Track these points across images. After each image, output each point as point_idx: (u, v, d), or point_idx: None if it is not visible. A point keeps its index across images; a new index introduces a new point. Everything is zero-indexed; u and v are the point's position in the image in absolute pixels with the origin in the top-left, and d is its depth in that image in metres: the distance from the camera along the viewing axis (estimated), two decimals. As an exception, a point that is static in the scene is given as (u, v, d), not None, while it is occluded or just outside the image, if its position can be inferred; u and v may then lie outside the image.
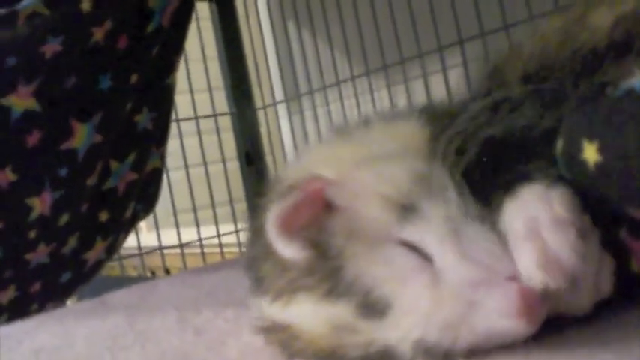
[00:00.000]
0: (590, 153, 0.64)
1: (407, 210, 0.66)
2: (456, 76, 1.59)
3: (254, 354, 0.75)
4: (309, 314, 0.67)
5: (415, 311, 0.62)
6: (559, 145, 0.69)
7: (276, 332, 0.70)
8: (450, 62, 1.58)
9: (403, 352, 0.63)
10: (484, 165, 0.72)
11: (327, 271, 0.66)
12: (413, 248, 0.64)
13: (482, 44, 1.48)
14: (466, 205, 0.67)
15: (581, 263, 0.60)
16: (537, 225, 0.62)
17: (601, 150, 0.63)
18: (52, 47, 1.12)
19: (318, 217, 0.68)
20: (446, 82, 1.57)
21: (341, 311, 0.65)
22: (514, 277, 0.61)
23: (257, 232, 0.74)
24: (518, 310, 0.59)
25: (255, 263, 0.74)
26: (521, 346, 0.65)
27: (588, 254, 0.61)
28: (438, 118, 0.80)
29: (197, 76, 1.91)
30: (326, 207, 0.69)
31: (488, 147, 0.73)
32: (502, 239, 0.63)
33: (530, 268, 0.60)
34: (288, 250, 0.67)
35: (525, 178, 0.66)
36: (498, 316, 0.60)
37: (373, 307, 0.64)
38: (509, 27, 1.43)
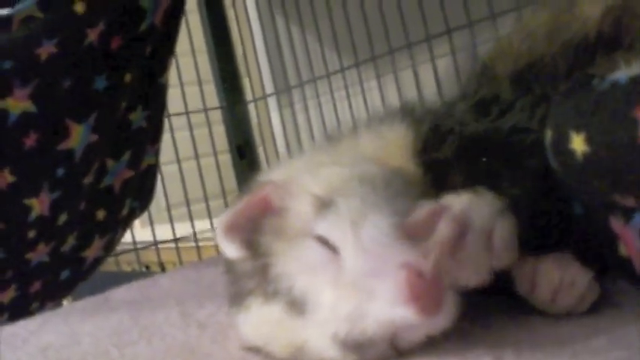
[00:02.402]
0: (578, 143, 0.66)
1: (324, 206, 0.68)
2: (444, 65, 1.60)
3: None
4: (257, 319, 0.70)
5: (323, 305, 0.64)
6: (547, 135, 0.71)
7: (258, 351, 0.72)
8: (438, 52, 1.59)
9: (329, 349, 0.65)
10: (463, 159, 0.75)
11: (259, 271, 0.68)
12: (324, 242, 0.66)
13: (470, 34, 1.49)
14: (383, 201, 0.68)
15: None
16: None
17: (588, 140, 0.65)
18: (47, 49, 1.13)
19: (261, 219, 0.71)
20: (435, 71, 1.58)
21: (277, 312, 0.67)
22: (406, 266, 0.61)
23: None
24: (407, 298, 0.59)
25: (225, 276, 0.78)
26: (513, 333, 0.68)
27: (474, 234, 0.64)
28: (422, 120, 0.82)
29: (186, 70, 1.91)
30: (271, 211, 0.72)
31: (468, 142, 0.75)
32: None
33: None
34: (230, 249, 0.70)
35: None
36: (391, 305, 0.61)
37: (296, 305, 0.65)
38: (496, 16, 1.45)
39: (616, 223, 0.67)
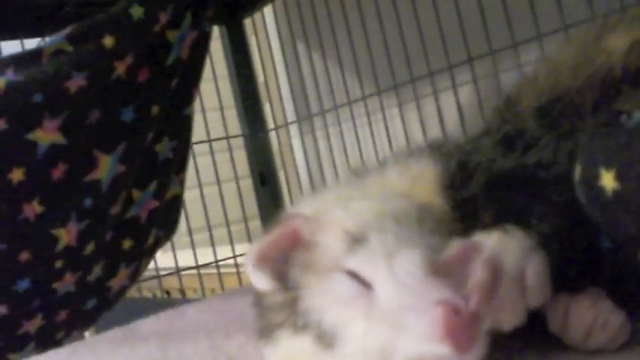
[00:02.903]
0: (608, 180, 0.66)
1: (356, 241, 0.68)
2: (466, 93, 1.61)
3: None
4: (286, 352, 0.70)
5: (353, 339, 0.64)
6: (576, 171, 0.71)
7: None
8: (460, 80, 1.60)
9: None
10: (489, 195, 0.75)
11: (289, 304, 0.69)
12: (356, 277, 0.66)
13: (492, 62, 1.50)
14: (416, 236, 0.69)
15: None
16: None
17: (619, 177, 0.65)
18: (76, 82, 1.15)
19: (291, 251, 0.72)
20: (456, 99, 1.59)
21: (306, 345, 0.67)
22: (442, 303, 0.61)
23: None
24: (443, 334, 0.59)
25: (254, 308, 0.78)
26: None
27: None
28: (449, 155, 0.82)
29: (208, 96, 1.92)
30: (301, 244, 0.72)
31: (495, 178, 0.76)
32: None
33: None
34: (259, 281, 0.71)
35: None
36: (425, 340, 0.60)
37: (326, 338, 0.66)
38: (517, 45, 1.45)
39: (646, 260, 0.67)
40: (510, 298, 0.64)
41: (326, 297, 0.67)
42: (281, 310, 0.70)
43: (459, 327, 0.60)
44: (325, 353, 0.66)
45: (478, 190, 0.76)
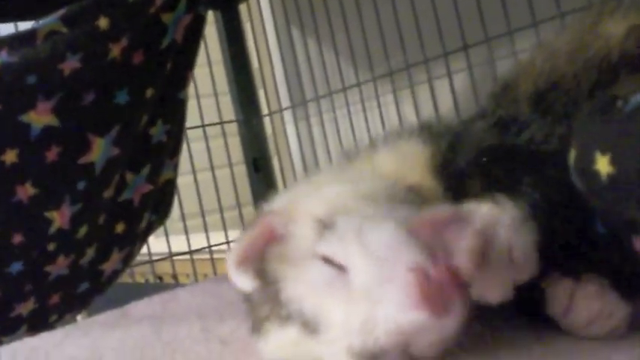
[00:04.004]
0: (603, 164, 0.66)
1: (325, 227, 0.69)
2: (461, 80, 1.61)
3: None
4: (275, 343, 0.71)
5: (335, 322, 0.65)
6: (571, 155, 0.71)
7: None
8: (455, 67, 1.59)
9: None
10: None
11: (271, 298, 0.70)
12: (329, 262, 0.67)
13: (487, 49, 1.50)
14: (384, 211, 0.70)
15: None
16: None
17: (614, 161, 0.65)
18: (70, 64, 1.15)
19: (267, 248, 0.73)
20: (451, 86, 1.59)
21: (293, 334, 0.68)
22: (413, 269, 0.61)
23: None
24: (417, 301, 0.60)
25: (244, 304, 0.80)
26: (535, 347, 0.68)
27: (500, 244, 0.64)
28: (440, 136, 0.82)
29: (203, 82, 1.92)
30: (275, 239, 0.74)
31: (487, 151, 0.76)
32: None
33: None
34: (242, 281, 0.73)
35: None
36: (401, 310, 0.61)
37: (309, 325, 0.67)
38: (513, 32, 1.45)
39: (638, 243, 0.67)
40: (498, 271, 0.64)
41: (304, 285, 0.68)
42: (265, 304, 0.72)
43: (433, 291, 0.60)
44: (312, 340, 0.67)
45: (468, 161, 0.76)
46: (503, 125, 0.81)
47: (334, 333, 0.65)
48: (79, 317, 1.76)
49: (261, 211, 0.81)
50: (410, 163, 0.81)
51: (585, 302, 0.69)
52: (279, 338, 0.70)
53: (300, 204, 0.75)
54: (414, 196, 0.75)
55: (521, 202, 0.69)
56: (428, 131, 0.85)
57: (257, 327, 0.74)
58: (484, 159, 0.76)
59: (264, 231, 0.74)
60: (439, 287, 0.60)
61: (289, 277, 0.69)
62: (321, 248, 0.68)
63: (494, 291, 0.65)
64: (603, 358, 0.62)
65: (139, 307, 1.17)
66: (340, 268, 0.66)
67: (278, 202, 0.80)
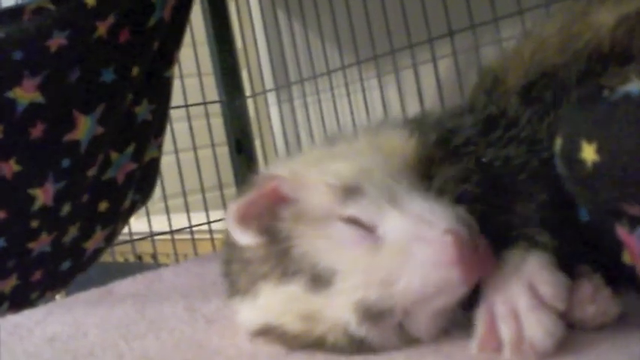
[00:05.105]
0: (589, 152, 0.67)
1: (350, 191, 0.72)
2: (445, 66, 1.62)
3: (267, 343, 0.77)
4: (270, 302, 0.73)
5: (356, 273, 0.68)
6: (557, 144, 0.72)
7: (267, 333, 0.75)
8: (440, 52, 1.60)
9: (349, 320, 0.68)
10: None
11: (278, 254, 0.72)
12: (355, 223, 0.70)
13: (473, 36, 1.51)
14: (405, 185, 0.73)
15: (553, 341, 0.64)
16: (515, 307, 0.66)
17: (599, 150, 0.66)
18: (57, 41, 1.14)
19: (272, 208, 0.75)
20: (436, 72, 1.60)
21: (294, 290, 0.70)
22: (451, 231, 0.65)
23: (228, 235, 0.79)
24: (452, 258, 0.64)
25: (227, 266, 0.81)
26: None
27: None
28: (427, 130, 0.84)
29: (187, 62, 1.90)
30: (282, 201, 0.75)
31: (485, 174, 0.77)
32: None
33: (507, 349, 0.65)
34: (244, 237, 0.74)
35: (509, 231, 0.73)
36: (433, 266, 0.65)
37: (320, 279, 0.69)
38: (498, 19, 1.46)
39: (622, 231, 0.69)
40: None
41: (324, 241, 0.70)
42: (265, 262, 0.73)
43: (466, 254, 0.64)
44: (316, 295, 0.69)
45: (463, 176, 0.77)
46: (492, 122, 0.82)
47: (348, 284, 0.68)
48: (57, 297, 1.75)
49: (262, 175, 0.82)
50: (387, 151, 0.82)
51: (582, 305, 0.70)
52: (275, 296, 0.72)
53: (306, 173, 0.77)
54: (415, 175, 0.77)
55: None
56: (415, 124, 0.86)
57: (246, 288, 0.75)
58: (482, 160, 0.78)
59: (269, 192, 0.75)
60: (471, 253, 0.64)
61: (306, 234, 0.71)
62: (347, 210, 0.70)
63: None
64: (602, 357, 0.63)
65: (122, 286, 1.18)
66: (368, 228, 0.69)
67: (277, 170, 0.80)
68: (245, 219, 0.74)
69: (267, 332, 0.75)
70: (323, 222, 0.71)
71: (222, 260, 0.82)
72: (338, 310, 0.68)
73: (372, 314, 0.67)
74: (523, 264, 0.69)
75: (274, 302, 0.72)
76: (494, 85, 0.88)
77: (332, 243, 0.70)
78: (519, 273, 0.68)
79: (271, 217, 0.74)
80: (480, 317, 0.68)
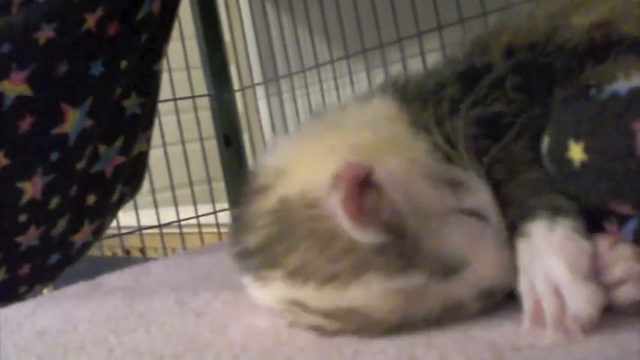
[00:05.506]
0: (577, 152, 0.68)
1: (456, 185, 0.75)
2: (433, 60, 1.62)
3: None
4: (378, 292, 0.71)
5: (487, 263, 0.72)
6: (545, 143, 0.73)
7: (342, 318, 0.73)
8: (429, 47, 1.61)
9: (468, 299, 0.72)
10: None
11: (403, 250, 0.70)
12: (472, 214, 0.73)
13: (461, 30, 1.51)
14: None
15: (596, 310, 0.65)
16: (555, 282, 0.67)
17: (587, 149, 0.67)
18: (45, 34, 1.13)
19: (378, 201, 0.72)
20: (424, 66, 1.60)
21: (414, 281, 0.70)
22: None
23: (249, 222, 0.77)
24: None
25: (271, 254, 0.75)
26: (509, 331, 0.69)
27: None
28: (414, 94, 0.85)
29: (175, 55, 1.90)
30: (367, 190, 0.72)
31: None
32: None
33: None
34: (367, 237, 0.70)
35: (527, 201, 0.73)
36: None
37: (448, 270, 0.71)
38: (487, 14, 1.47)
39: (610, 229, 0.69)
40: None
41: (456, 236, 0.72)
42: (380, 254, 0.70)
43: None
44: (437, 284, 0.70)
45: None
46: (474, 76, 0.83)
47: (480, 273, 0.71)
48: (45, 291, 1.75)
49: (260, 166, 0.83)
50: (380, 120, 0.83)
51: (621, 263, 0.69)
52: (390, 287, 0.70)
53: (384, 162, 0.74)
54: None
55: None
56: (401, 89, 0.88)
57: (333, 279, 0.71)
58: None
59: (355, 185, 0.71)
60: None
61: (435, 230, 0.72)
62: (464, 203, 0.74)
63: None
64: (601, 355, 0.63)
65: (111, 280, 1.18)
66: (483, 219, 0.73)
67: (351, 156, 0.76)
68: (360, 217, 0.69)
69: (342, 317, 0.73)
70: (444, 216, 0.73)
71: (246, 247, 0.78)
72: (459, 294, 0.71)
73: (487, 294, 0.72)
74: (553, 235, 0.69)
75: (380, 292, 0.70)
76: (476, 43, 0.90)
77: (462, 236, 0.72)
78: (551, 246, 0.69)
79: (389, 212, 0.71)
80: (525, 293, 0.69)
